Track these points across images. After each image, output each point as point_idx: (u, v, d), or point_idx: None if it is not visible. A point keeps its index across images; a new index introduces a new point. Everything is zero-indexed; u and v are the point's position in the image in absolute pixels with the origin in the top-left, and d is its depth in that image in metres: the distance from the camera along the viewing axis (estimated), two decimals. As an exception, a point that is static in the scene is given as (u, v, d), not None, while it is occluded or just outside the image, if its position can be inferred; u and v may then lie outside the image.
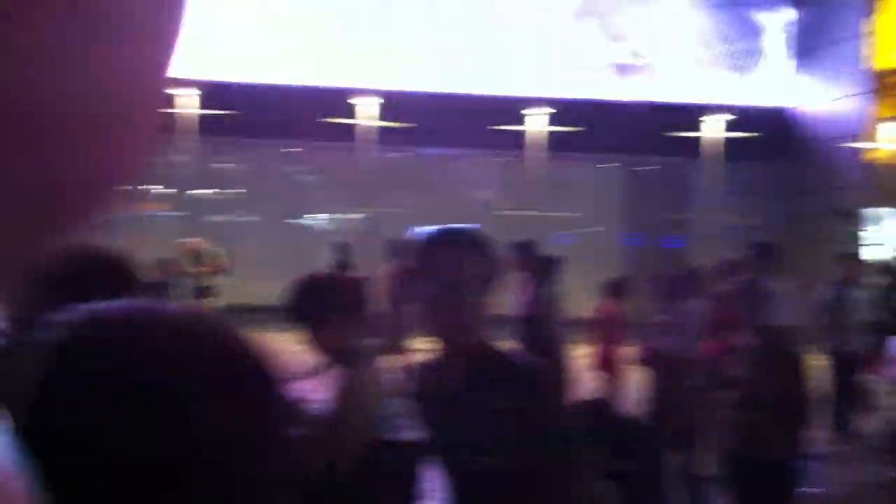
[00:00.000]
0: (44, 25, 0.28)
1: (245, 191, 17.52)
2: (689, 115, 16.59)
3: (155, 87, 0.33)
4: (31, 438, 0.72)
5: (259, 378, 0.76)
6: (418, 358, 2.53)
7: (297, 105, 14.85)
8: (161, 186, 17.44)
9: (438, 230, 2.33)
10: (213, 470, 0.72)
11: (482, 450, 2.12)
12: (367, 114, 15.66)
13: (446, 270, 2.20)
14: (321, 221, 17.76)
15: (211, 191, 17.30)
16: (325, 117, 15.38)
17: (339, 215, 17.57)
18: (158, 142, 0.34)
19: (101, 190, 0.33)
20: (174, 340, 0.75)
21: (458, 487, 2.25)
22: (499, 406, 2.10)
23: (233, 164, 17.47)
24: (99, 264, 1.38)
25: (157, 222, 16.60)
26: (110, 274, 1.37)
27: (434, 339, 2.29)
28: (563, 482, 2.10)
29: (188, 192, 16.67)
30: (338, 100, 15.18)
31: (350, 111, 15.59)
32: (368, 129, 15.77)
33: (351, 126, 15.69)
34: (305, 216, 17.70)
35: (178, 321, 0.77)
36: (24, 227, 0.30)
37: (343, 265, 10.95)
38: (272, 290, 7.55)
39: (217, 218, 16.90)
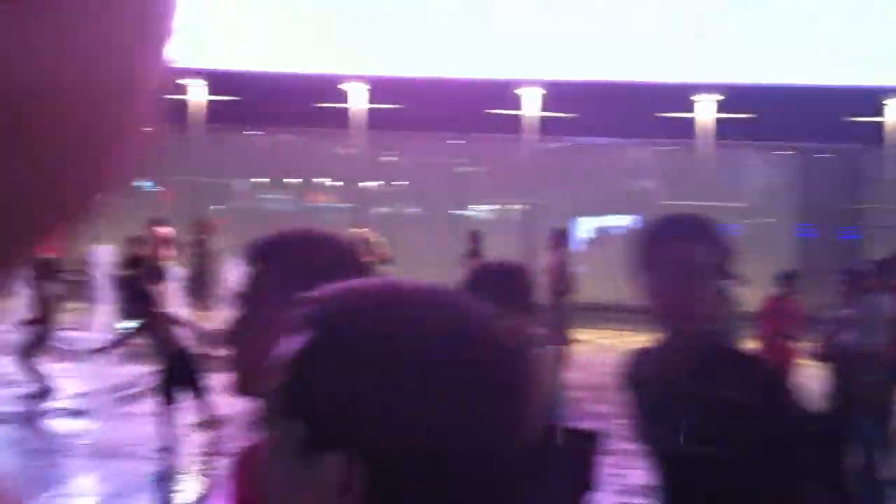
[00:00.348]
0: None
1: (409, 182, 17.88)
2: (869, 99, 15.71)
3: (152, 73, 0.32)
4: (302, 406, 0.78)
5: (500, 348, 0.80)
6: (633, 345, 2.53)
7: (462, 97, 15.00)
8: (330, 179, 18.04)
9: (666, 217, 2.30)
10: (468, 433, 0.76)
11: (703, 439, 2.10)
12: (530, 104, 15.66)
13: (676, 259, 2.16)
14: (484, 212, 17.91)
15: (377, 183, 17.75)
16: (490, 109, 15.48)
17: (501, 206, 17.67)
18: (157, 129, 0.33)
19: (96, 181, 0.31)
20: (434, 311, 0.79)
21: (671, 476, 2.24)
22: (726, 397, 2.07)
23: (399, 157, 17.86)
24: (328, 249, 1.45)
25: (325, 213, 17.19)
26: (341, 257, 1.43)
27: (661, 328, 2.27)
28: (784, 479, 2.05)
29: (356, 183, 17.14)
30: (502, 91, 15.24)
31: (514, 102, 15.62)
32: (532, 120, 15.76)
33: (514, 117, 15.73)
34: (469, 207, 17.89)
35: (435, 294, 0.82)
36: (18, 220, 0.29)
37: (475, 253, 11.09)
38: (436, 279, 7.72)
39: (383, 209, 17.33)
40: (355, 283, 0.85)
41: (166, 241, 12.89)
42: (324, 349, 0.78)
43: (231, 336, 1.48)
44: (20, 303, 9.47)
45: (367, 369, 0.76)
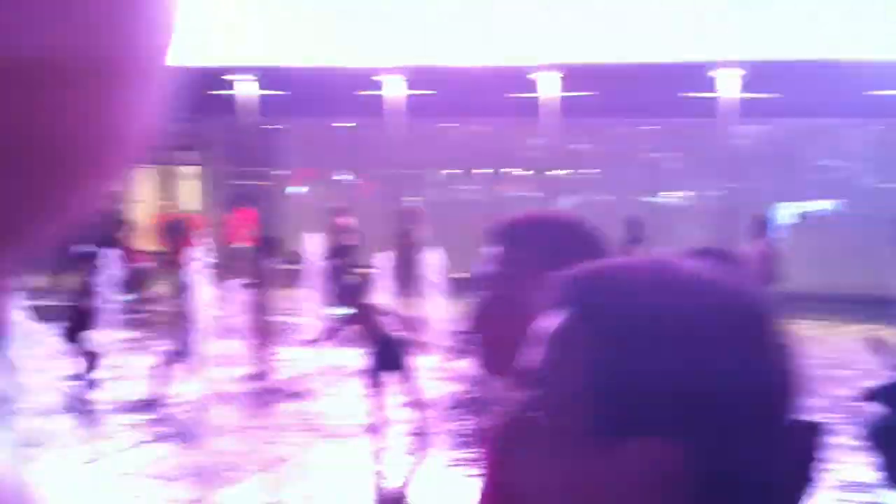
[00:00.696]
0: None
1: (599, 170, 17.72)
2: None
3: (157, 43, 0.30)
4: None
5: (775, 332, 0.77)
6: (844, 336, 2.30)
7: (656, 82, 14.71)
8: (520, 168, 18.15)
9: None
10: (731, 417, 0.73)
11: None
12: (728, 86, 15.14)
13: None
14: (678, 199, 17.51)
15: (567, 171, 17.69)
16: (685, 92, 15.08)
17: (697, 192, 17.22)
18: (162, 106, 0.31)
19: (96, 165, 0.30)
20: (699, 285, 0.77)
21: None
22: None
23: (590, 145, 17.73)
24: (576, 231, 1.47)
25: (515, 202, 17.29)
26: (589, 239, 1.45)
27: None
28: None
29: (546, 172, 17.15)
30: (698, 74, 14.81)
31: (711, 85, 15.12)
32: (730, 102, 15.25)
33: (711, 100, 15.26)
34: (661, 194, 17.54)
35: (696, 269, 0.79)
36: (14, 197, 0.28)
37: (636, 241, 10.85)
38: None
39: (573, 198, 17.26)
40: (613, 260, 0.84)
41: (348, 231, 13.42)
42: (596, 327, 0.75)
43: (478, 316, 1.50)
44: (240, 282, 10.17)
45: (650, 346, 0.73)
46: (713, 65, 14.85)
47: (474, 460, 1.46)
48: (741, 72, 14.87)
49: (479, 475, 1.52)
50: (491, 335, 1.48)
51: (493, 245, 1.49)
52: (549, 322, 0.78)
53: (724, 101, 15.26)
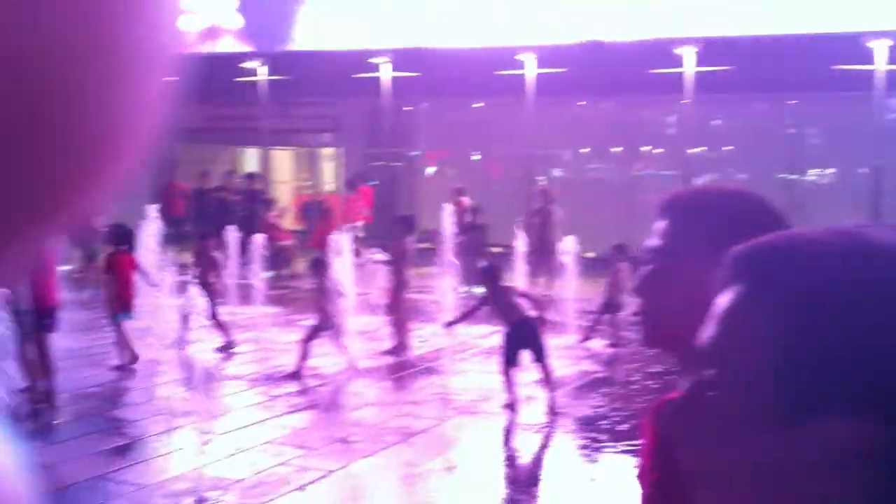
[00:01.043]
0: None
1: (736, 147, 17.20)
2: None
3: (159, 42, 0.29)
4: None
5: None
6: None
7: (804, 55, 14.12)
8: (655, 146, 17.81)
9: None
10: None
11: None
12: (881, 58, 14.37)
13: None
14: (821, 177, 16.86)
15: (704, 149, 17.23)
16: (835, 65, 14.36)
17: (843, 169, 16.52)
18: (163, 102, 0.30)
19: (100, 157, 0.29)
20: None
21: None
22: None
23: (729, 121, 17.23)
24: (748, 203, 1.45)
25: (650, 181, 17.00)
26: (762, 212, 1.43)
27: None
28: None
29: (683, 150, 16.76)
30: (849, 45, 14.10)
31: (865, 56, 14.36)
32: (882, 75, 14.48)
33: (856, 73, 14.54)
34: (806, 171, 16.92)
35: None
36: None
37: (780, 225, 10.46)
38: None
39: (710, 176, 16.82)
40: (790, 232, 0.80)
41: (474, 210, 13.47)
42: (778, 302, 0.72)
43: (643, 288, 1.48)
44: (377, 259, 10.44)
45: (839, 320, 0.69)
46: (864, 35, 14.15)
47: (607, 438, 1.48)
48: (889, 42, 14.14)
49: (639, 454, 1.51)
50: (654, 309, 1.47)
51: (659, 218, 1.47)
52: (726, 298, 0.75)
53: (869, 73, 14.53)
